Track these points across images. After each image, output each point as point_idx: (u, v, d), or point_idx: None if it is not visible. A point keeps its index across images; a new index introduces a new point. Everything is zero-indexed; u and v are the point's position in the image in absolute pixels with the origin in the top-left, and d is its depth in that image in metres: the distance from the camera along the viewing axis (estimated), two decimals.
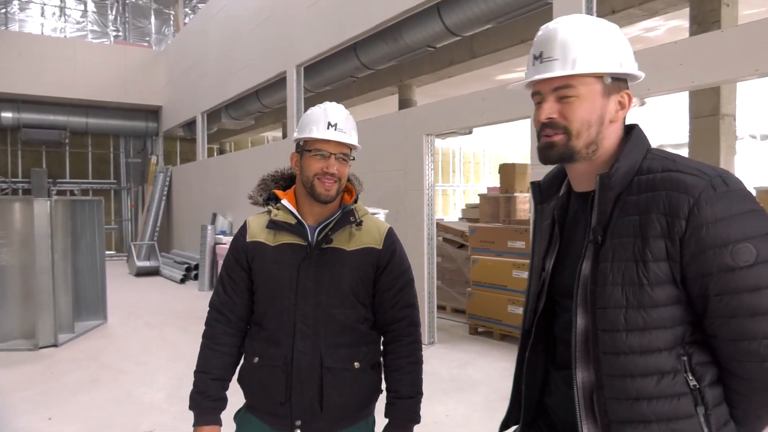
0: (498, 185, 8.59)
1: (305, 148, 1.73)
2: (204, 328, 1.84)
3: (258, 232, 1.77)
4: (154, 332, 7.14)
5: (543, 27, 1.23)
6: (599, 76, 1.17)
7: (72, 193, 16.10)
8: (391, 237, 1.80)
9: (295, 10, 8.96)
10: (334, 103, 1.77)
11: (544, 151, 1.22)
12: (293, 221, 1.74)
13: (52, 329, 6.29)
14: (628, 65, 1.19)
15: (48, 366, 5.69)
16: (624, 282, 1.12)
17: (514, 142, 18.95)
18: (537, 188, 1.39)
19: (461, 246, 8.01)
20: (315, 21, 8.40)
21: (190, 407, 1.79)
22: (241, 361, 1.82)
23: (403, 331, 1.79)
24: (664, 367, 1.11)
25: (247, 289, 1.79)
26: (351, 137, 1.73)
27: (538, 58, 1.19)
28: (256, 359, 1.73)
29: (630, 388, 1.12)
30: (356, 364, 1.72)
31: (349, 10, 7.61)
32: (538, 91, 1.22)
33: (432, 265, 6.38)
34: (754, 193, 8.88)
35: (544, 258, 1.34)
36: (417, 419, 1.77)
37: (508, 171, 8.30)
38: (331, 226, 1.73)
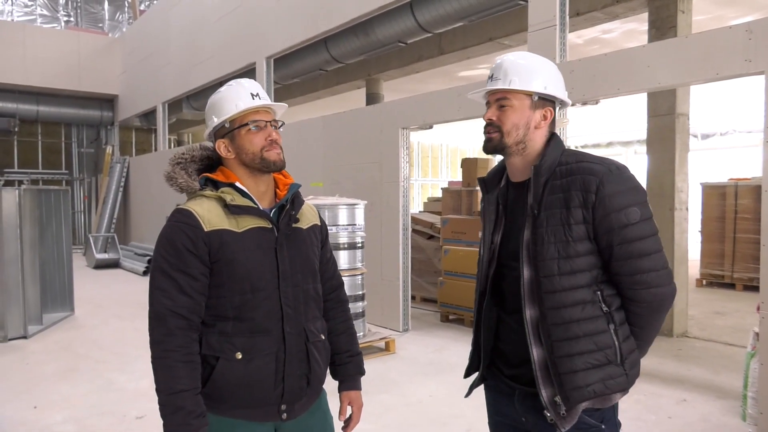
0: (456, 179, 8.85)
1: (234, 127, 1.68)
2: (160, 339, 1.62)
3: (215, 219, 1.65)
4: (126, 323, 7.07)
5: (498, 58, 1.67)
6: (529, 94, 1.61)
7: (20, 183, 15.48)
8: (319, 212, 1.94)
9: (267, 2, 8.96)
10: (245, 78, 1.75)
11: (485, 144, 1.67)
12: (253, 204, 1.69)
13: (21, 321, 6.18)
14: (553, 89, 1.63)
15: (21, 357, 5.60)
16: (556, 240, 1.53)
17: (470, 137, 19.38)
18: (483, 182, 1.80)
19: (430, 237, 8.24)
20: (287, 13, 8.43)
21: None
22: (216, 364, 1.64)
23: (342, 297, 1.96)
24: (585, 299, 1.54)
25: (206, 286, 1.65)
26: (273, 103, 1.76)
27: (490, 78, 1.65)
28: (239, 355, 1.63)
29: (564, 315, 1.53)
30: (322, 336, 1.80)
31: (323, 3, 7.69)
32: (489, 100, 1.67)
33: (406, 255, 6.60)
34: (699, 188, 9.52)
35: (492, 234, 1.73)
36: (364, 372, 1.96)
37: (470, 165, 8.58)
38: (288, 206, 1.75)
